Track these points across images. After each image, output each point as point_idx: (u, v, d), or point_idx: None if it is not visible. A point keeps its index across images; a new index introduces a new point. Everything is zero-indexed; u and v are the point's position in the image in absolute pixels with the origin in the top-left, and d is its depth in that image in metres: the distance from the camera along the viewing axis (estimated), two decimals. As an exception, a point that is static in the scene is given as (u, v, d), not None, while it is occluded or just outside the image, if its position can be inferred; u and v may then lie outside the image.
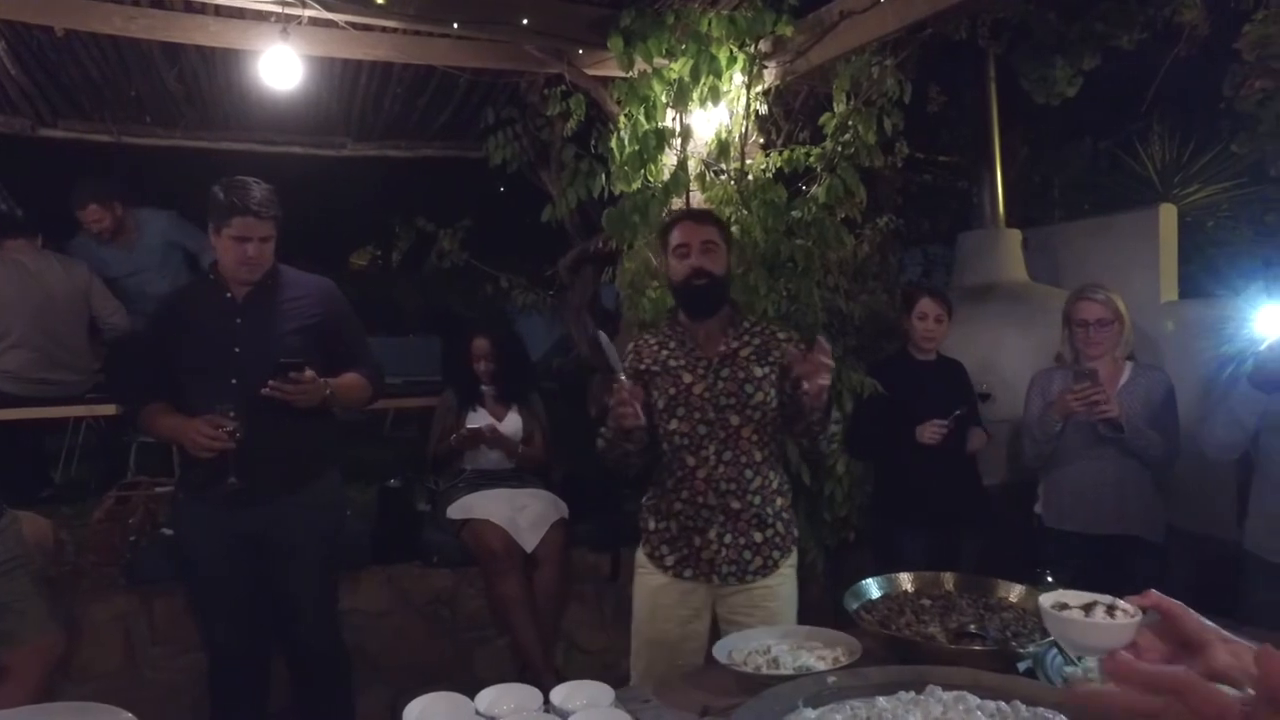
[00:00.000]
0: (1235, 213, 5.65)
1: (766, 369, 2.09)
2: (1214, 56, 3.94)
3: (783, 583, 2.12)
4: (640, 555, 2.18)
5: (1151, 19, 4.01)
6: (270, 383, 2.24)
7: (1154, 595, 1.03)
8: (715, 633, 2.12)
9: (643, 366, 2.15)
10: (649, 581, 2.15)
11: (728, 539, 2.06)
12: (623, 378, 1.94)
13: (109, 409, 3.99)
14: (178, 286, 2.70)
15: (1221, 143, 5.10)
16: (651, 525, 2.15)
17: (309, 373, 2.29)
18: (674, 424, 2.09)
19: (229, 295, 2.39)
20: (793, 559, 2.16)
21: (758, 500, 2.08)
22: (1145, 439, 2.64)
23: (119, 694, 2.84)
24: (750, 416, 2.07)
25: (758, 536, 2.08)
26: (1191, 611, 1.00)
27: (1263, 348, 2.27)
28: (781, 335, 2.16)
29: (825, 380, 1.87)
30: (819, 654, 1.52)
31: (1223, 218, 5.63)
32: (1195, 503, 3.38)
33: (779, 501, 2.14)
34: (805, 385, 1.87)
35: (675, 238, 2.13)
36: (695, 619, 2.12)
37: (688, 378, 2.09)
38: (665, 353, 2.14)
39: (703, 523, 2.07)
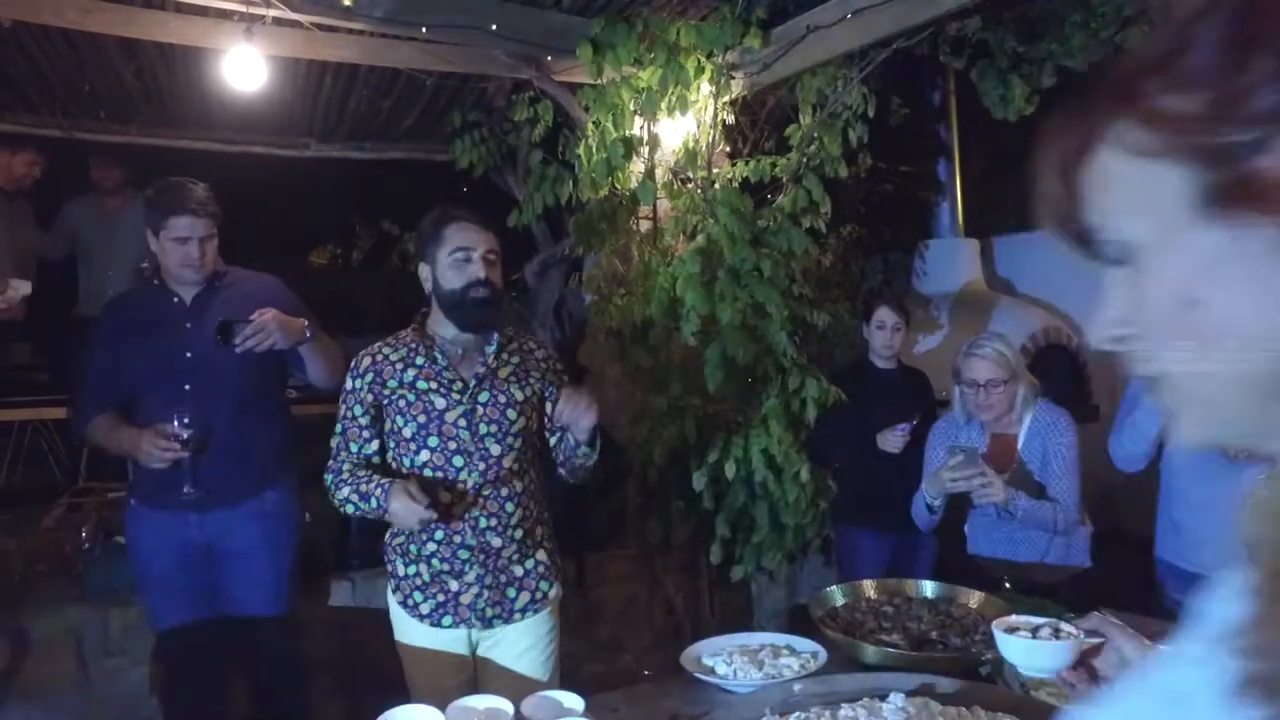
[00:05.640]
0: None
1: (529, 390, 1.93)
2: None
3: (547, 616, 1.97)
4: (392, 602, 1.96)
5: (1104, 43, 4.15)
6: (235, 341, 2.17)
7: (1095, 618, 1.10)
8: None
9: (386, 389, 1.89)
10: (409, 632, 1.93)
11: (488, 580, 1.87)
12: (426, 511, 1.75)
13: (57, 412, 3.88)
14: (119, 292, 2.61)
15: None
16: (400, 570, 1.92)
17: (266, 312, 2.19)
18: (424, 455, 1.86)
19: (176, 299, 2.33)
20: (558, 589, 1.99)
21: (519, 534, 1.90)
22: (1039, 518, 2.33)
23: (69, 708, 2.77)
24: (512, 445, 1.89)
25: (518, 570, 1.90)
26: (1129, 631, 1.07)
27: None
28: (540, 353, 2.03)
29: (590, 420, 1.84)
30: (785, 661, 1.54)
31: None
32: (1125, 504, 3.49)
33: (539, 531, 1.96)
34: (571, 428, 1.87)
35: (454, 240, 1.87)
36: (464, 667, 1.93)
37: (440, 402, 1.86)
38: (413, 371, 1.89)
39: (460, 565, 1.86)
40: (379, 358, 1.93)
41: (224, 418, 2.23)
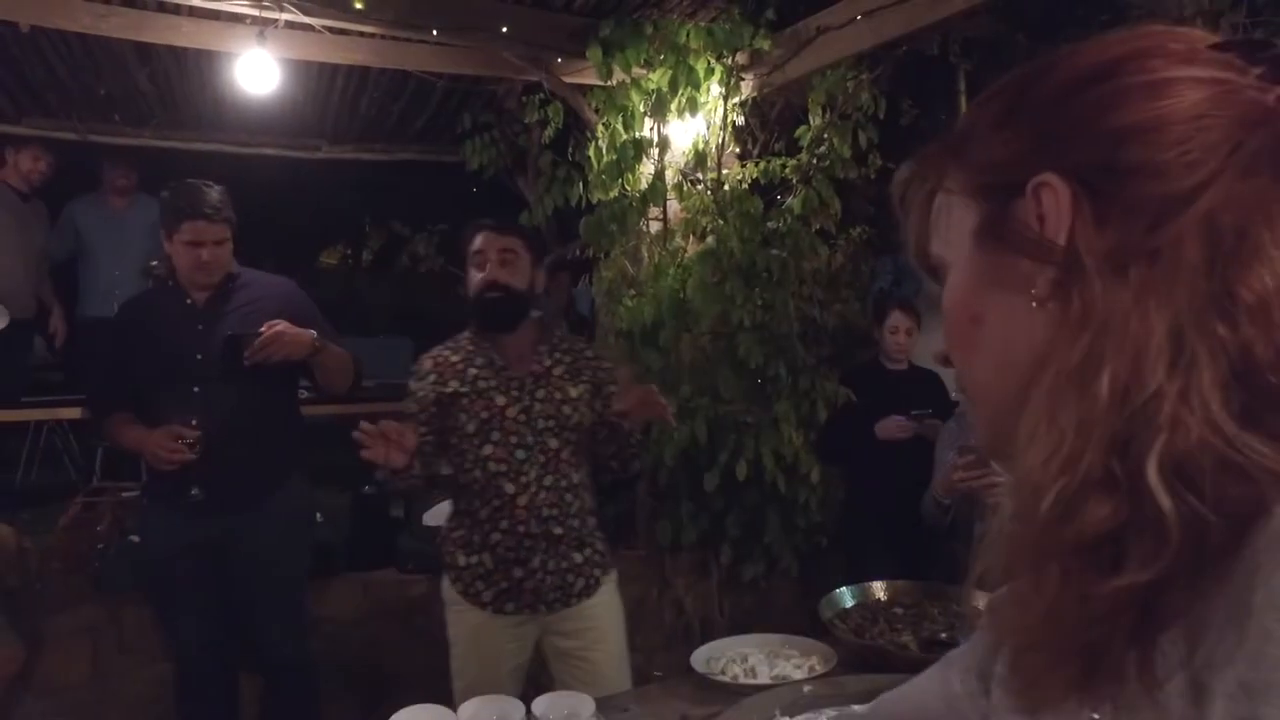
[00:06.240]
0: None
1: (581, 388, 2.04)
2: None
3: (608, 600, 2.08)
4: (450, 592, 2.04)
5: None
6: (245, 355, 2.18)
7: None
8: (537, 662, 2.07)
9: (449, 390, 1.99)
10: (467, 620, 2.01)
11: (550, 565, 1.98)
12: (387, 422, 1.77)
13: (72, 412, 3.92)
14: (133, 293, 2.64)
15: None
16: (461, 561, 2.00)
17: (276, 325, 2.19)
18: (488, 449, 1.96)
19: (189, 301, 2.34)
20: (614, 575, 2.12)
21: (577, 523, 2.02)
22: None
23: (84, 706, 2.79)
24: (569, 439, 2.01)
25: (578, 557, 2.02)
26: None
27: None
28: (589, 354, 2.13)
29: (646, 414, 2.01)
30: (795, 662, 1.55)
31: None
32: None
33: (591, 521, 2.08)
34: (629, 415, 1.98)
35: (474, 245, 2.03)
36: (521, 652, 2.03)
37: (501, 399, 1.98)
38: (474, 371, 2.00)
39: (525, 553, 1.96)
40: (440, 360, 2.04)
41: (235, 420, 2.25)
